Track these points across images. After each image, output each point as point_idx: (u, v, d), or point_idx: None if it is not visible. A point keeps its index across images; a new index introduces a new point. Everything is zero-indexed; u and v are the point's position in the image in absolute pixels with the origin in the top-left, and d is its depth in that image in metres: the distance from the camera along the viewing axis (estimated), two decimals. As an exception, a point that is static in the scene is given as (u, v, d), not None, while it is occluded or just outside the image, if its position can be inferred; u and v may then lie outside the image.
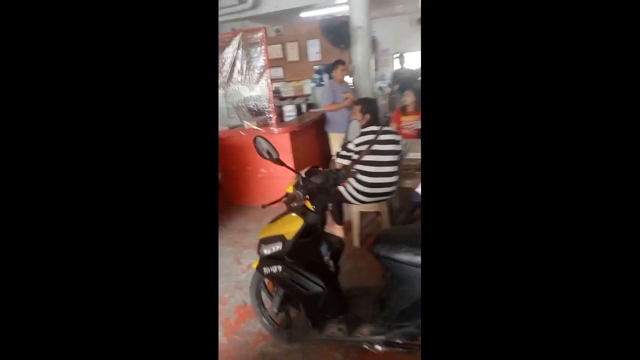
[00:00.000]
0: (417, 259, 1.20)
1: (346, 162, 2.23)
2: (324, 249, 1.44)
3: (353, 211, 2.43)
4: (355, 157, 2.17)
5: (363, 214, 2.53)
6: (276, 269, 1.35)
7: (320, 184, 1.32)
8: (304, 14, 5.23)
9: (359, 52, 4.21)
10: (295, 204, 1.21)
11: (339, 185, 1.56)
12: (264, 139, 1.31)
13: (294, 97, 5.00)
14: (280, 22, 5.18)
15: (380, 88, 5.69)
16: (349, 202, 2.31)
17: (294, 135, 3.16)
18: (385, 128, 2.18)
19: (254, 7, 4.40)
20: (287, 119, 3.85)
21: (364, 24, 4.20)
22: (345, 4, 4.41)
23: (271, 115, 2.95)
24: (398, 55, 6.08)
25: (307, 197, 1.26)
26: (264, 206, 1.32)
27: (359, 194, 2.23)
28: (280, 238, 1.34)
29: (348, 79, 3.88)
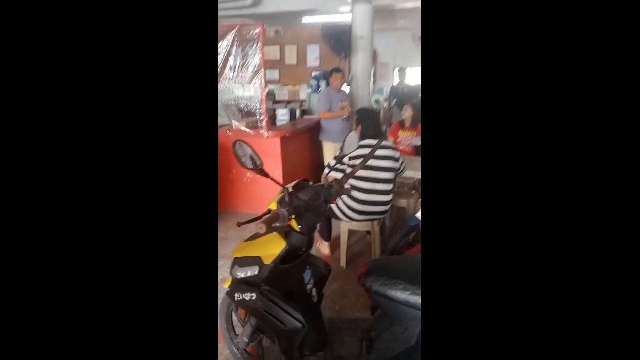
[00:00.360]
0: (417, 300, 1.02)
1: (339, 175, 2.05)
2: (307, 276, 1.24)
3: (342, 228, 2.24)
4: (349, 171, 2.00)
5: (351, 232, 2.35)
6: (249, 296, 1.14)
7: (309, 201, 1.12)
8: (306, 19, 5.11)
9: (360, 62, 4.11)
10: (278, 224, 1.02)
11: (331, 203, 1.37)
12: (247, 143, 1.11)
13: (288, 102, 4.83)
14: (280, 24, 5.03)
15: (377, 101, 5.59)
16: (338, 218, 2.13)
17: (285, 140, 2.98)
18: (384, 143, 2.02)
19: (254, 5, 4.25)
20: (279, 123, 3.67)
21: (367, 35, 4.10)
22: (348, 12, 4.32)
23: (262, 118, 2.76)
24: (399, 69, 6.01)
25: (293, 216, 1.06)
26: (239, 224, 1.12)
27: (350, 211, 2.06)
28: (257, 261, 1.13)
29: (345, 88, 3.76)
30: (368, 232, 2.31)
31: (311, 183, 1.26)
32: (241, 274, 1.16)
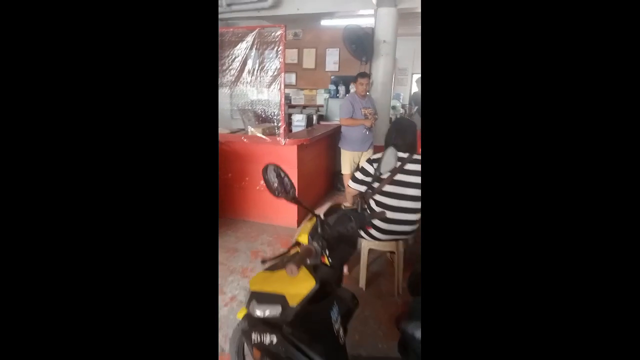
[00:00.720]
0: None
1: (362, 188, 1.89)
2: (334, 314, 1.08)
3: (362, 247, 2.07)
4: (375, 184, 1.83)
5: (371, 250, 2.18)
6: (269, 339, 0.99)
7: (343, 231, 0.96)
8: (324, 22, 4.98)
9: (381, 67, 3.95)
10: (309, 261, 0.86)
11: (365, 229, 1.21)
12: (279, 167, 0.98)
13: (304, 106, 4.69)
14: (299, 27, 4.91)
15: (394, 107, 5.42)
16: (360, 236, 1.96)
17: (301, 148, 2.83)
18: (415, 156, 1.85)
19: (273, 6, 4.13)
20: (294, 129, 3.54)
21: (390, 39, 3.94)
22: (369, 15, 4.17)
23: (280, 124, 2.62)
24: (418, 76, 5.82)
25: (327, 252, 0.91)
26: (264, 262, 0.97)
27: (374, 229, 1.89)
28: (281, 300, 0.97)
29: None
30: (391, 252, 2.14)
31: (342, 206, 1.10)
32: (260, 312, 1.01)
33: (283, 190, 0.95)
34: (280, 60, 2.40)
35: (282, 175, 0.97)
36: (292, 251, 1.02)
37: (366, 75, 3.04)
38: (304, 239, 0.95)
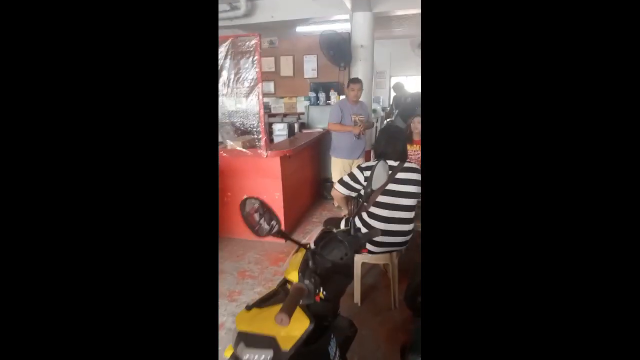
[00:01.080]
0: None
1: (346, 192, 1.79)
2: (332, 350, 0.97)
3: (355, 261, 1.97)
4: (361, 189, 1.74)
5: (364, 263, 2.09)
6: None
7: (338, 260, 0.86)
8: (300, 29, 4.91)
9: (360, 71, 3.90)
10: (302, 301, 0.75)
11: (361, 252, 1.11)
12: (259, 200, 0.86)
13: (284, 115, 4.59)
14: (274, 34, 4.82)
15: (375, 111, 5.39)
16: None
17: (285, 160, 2.72)
18: (407, 164, 1.77)
19: (247, 15, 4.03)
20: (276, 139, 3.42)
21: (367, 43, 3.91)
22: (345, 20, 4.13)
23: (260, 136, 2.50)
24: (398, 80, 5.83)
25: (321, 289, 0.80)
26: (248, 308, 0.85)
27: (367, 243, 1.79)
28: (272, 343, 0.85)
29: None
30: (384, 265, 2.05)
31: (334, 230, 0.99)
32: (249, 357, 0.88)
33: (266, 225, 0.84)
34: (256, 69, 2.29)
35: (264, 208, 0.86)
36: (280, 289, 0.90)
37: (358, 81, 2.91)
38: (293, 277, 0.83)
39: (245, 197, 0.84)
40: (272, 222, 0.85)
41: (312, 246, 0.88)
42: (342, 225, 1.88)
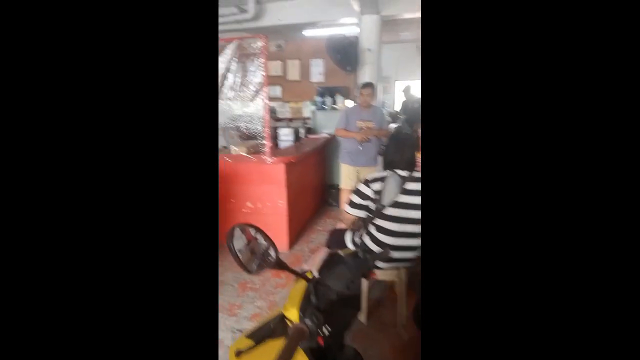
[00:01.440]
0: None
1: (361, 214, 1.70)
2: None
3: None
4: (373, 206, 1.64)
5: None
6: None
7: (344, 290, 0.76)
8: (307, 32, 4.86)
9: (367, 75, 3.82)
10: (303, 342, 0.66)
11: (369, 277, 1.01)
12: (249, 226, 0.75)
13: (290, 119, 4.52)
14: (281, 38, 4.77)
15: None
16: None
17: (290, 166, 2.63)
18: (416, 174, 1.67)
19: (255, 18, 3.98)
20: (282, 145, 3.34)
21: (374, 47, 3.83)
22: (353, 24, 4.06)
23: (265, 142, 2.42)
24: (405, 84, 5.73)
25: (324, 328, 0.70)
26: (238, 354, 0.76)
27: (374, 257, 1.69)
28: None
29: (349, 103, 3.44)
30: (391, 281, 1.94)
31: (340, 253, 0.89)
32: None
33: (260, 257, 0.73)
34: (262, 72, 2.21)
35: (255, 236, 0.74)
36: (276, 331, 0.80)
37: (369, 85, 2.80)
38: (293, 316, 0.73)
39: (234, 226, 0.72)
40: (268, 251, 0.74)
41: (315, 274, 0.79)
42: (347, 239, 1.78)
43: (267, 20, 4.08)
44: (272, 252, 0.74)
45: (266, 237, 0.76)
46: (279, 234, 2.74)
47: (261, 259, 0.72)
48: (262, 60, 2.18)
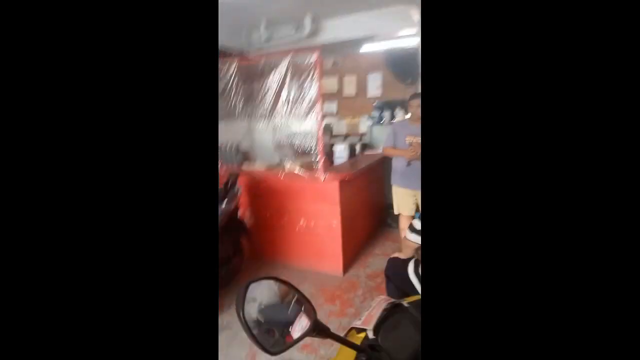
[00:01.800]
0: None
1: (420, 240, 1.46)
2: None
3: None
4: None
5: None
6: None
7: (409, 356, 0.56)
8: (365, 47, 4.78)
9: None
10: None
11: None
12: (276, 281, 0.58)
13: (346, 135, 4.41)
14: (338, 54, 4.75)
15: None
16: (417, 292, 1.51)
17: (344, 184, 2.48)
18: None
19: (311, 35, 4.01)
20: (337, 161, 3.23)
21: (437, 57, 3.58)
22: (412, 35, 3.87)
23: (318, 158, 2.32)
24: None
25: None
26: None
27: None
28: None
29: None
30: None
31: (404, 304, 0.68)
32: None
33: (288, 325, 0.55)
34: (317, 86, 2.14)
35: (284, 296, 0.57)
36: None
37: (418, 96, 2.48)
38: None
39: (248, 282, 0.55)
40: (301, 316, 0.56)
41: (371, 334, 0.61)
42: (411, 270, 1.54)
43: (323, 38, 4.08)
44: (304, 318, 0.56)
45: (303, 298, 0.58)
46: (333, 256, 2.58)
47: (287, 326, 0.55)
48: (316, 73, 2.10)
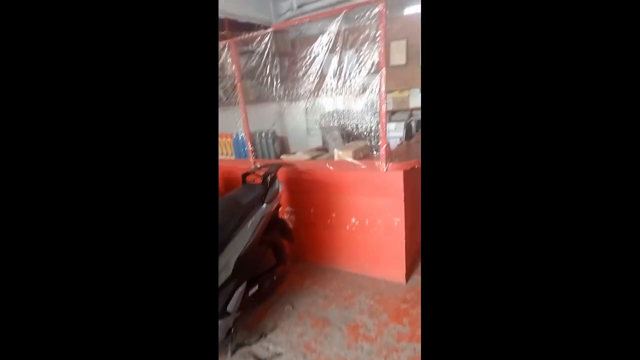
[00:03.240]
0: None
1: None
2: None
3: None
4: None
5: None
6: None
7: None
8: (409, 9, 4.09)
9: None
10: None
11: None
12: None
13: (393, 112, 3.85)
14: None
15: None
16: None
17: (408, 175, 1.99)
18: None
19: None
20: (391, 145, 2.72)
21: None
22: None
23: (380, 143, 1.84)
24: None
25: None
26: None
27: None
28: None
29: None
30: None
31: None
32: None
33: None
34: (379, 49, 1.62)
35: None
36: None
37: None
38: None
39: None
40: None
41: None
42: None
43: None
44: None
45: None
46: (394, 259, 2.14)
47: None
48: (380, 32, 1.58)
